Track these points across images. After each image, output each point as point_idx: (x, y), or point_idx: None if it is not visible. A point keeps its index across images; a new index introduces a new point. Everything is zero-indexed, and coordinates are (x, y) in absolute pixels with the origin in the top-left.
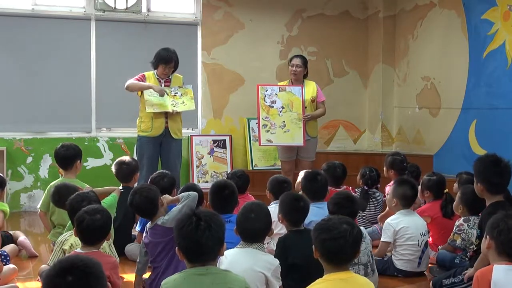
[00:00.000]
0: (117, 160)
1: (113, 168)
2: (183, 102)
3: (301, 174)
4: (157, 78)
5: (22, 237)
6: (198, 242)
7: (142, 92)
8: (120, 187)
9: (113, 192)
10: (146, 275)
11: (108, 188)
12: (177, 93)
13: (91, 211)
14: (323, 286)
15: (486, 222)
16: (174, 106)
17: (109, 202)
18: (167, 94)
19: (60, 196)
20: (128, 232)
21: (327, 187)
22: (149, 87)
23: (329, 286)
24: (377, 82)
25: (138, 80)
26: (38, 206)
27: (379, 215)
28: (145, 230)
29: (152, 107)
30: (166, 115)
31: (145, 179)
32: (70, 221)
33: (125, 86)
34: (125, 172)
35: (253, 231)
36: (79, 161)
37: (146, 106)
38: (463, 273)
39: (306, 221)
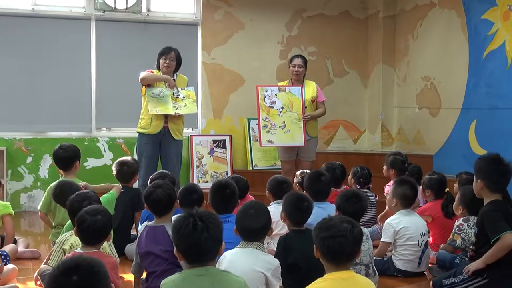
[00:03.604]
0: (118, 161)
1: (113, 168)
2: (185, 105)
3: (297, 174)
4: None
5: (21, 249)
6: (197, 243)
7: (145, 92)
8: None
9: (112, 189)
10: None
11: (106, 185)
12: (179, 95)
13: (92, 212)
14: (323, 285)
15: (485, 220)
16: (177, 109)
17: (107, 199)
18: (169, 94)
19: (62, 191)
20: (128, 232)
21: (330, 188)
22: (164, 79)
23: (330, 285)
24: (377, 82)
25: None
26: (38, 207)
27: (379, 215)
28: (139, 233)
29: (155, 109)
30: (167, 115)
31: (144, 179)
32: (69, 221)
33: (140, 77)
34: (126, 172)
35: (253, 229)
36: (78, 161)
37: (149, 108)
38: (464, 269)
39: (308, 220)
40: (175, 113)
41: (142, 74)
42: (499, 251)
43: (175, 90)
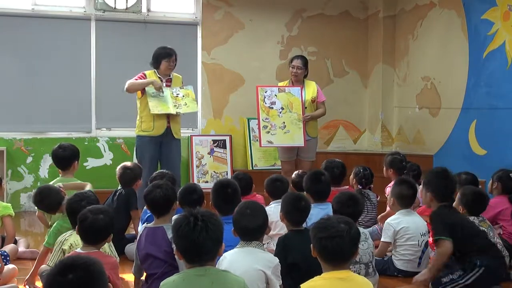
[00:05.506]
0: (121, 164)
1: (117, 172)
2: (186, 104)
3: (294, 176)
4: (159, 77)
5: (21, 249)
6: (196, 243)
7: (142, 93)
8: (119, 187)
9: (86, 188)
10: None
11: (79, 184)
12: (178, 94)
13: (95, 211)
14: (320, 284)
15: (435, 222)
16: (177, 108)
17: None
18: (168, 93)
19: (42, 197)
20: (124, 233)
21: (330, 187)
22: (149, 83)
23: (327, 285)
24: (377, 82)
25: (138, 79)
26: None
27: (379, 215)
28: (138, 234)
29: (157, 109)
30: (169, 115)
31: (146, 180)
32: (56, 222)
33: (125, 88)
34: (128, 177)
35: (250, 229)
36: (76, 161)
37: (150, 107)
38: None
39: (309, 222)
40: (176, 112)
41: (128, 83)
42: (440, 258)
43: (174, 89)
